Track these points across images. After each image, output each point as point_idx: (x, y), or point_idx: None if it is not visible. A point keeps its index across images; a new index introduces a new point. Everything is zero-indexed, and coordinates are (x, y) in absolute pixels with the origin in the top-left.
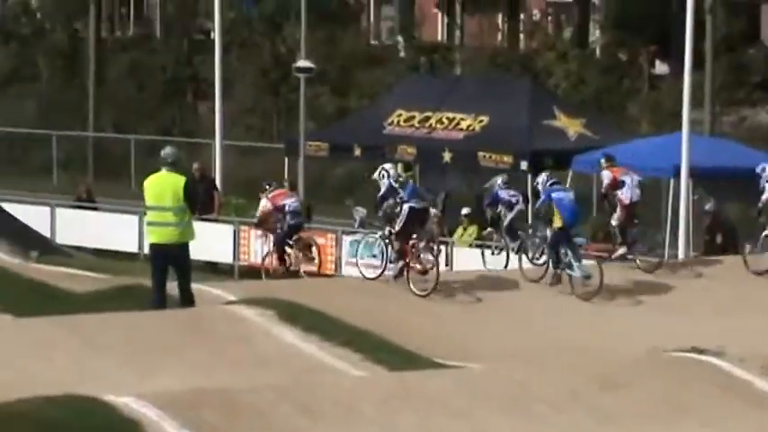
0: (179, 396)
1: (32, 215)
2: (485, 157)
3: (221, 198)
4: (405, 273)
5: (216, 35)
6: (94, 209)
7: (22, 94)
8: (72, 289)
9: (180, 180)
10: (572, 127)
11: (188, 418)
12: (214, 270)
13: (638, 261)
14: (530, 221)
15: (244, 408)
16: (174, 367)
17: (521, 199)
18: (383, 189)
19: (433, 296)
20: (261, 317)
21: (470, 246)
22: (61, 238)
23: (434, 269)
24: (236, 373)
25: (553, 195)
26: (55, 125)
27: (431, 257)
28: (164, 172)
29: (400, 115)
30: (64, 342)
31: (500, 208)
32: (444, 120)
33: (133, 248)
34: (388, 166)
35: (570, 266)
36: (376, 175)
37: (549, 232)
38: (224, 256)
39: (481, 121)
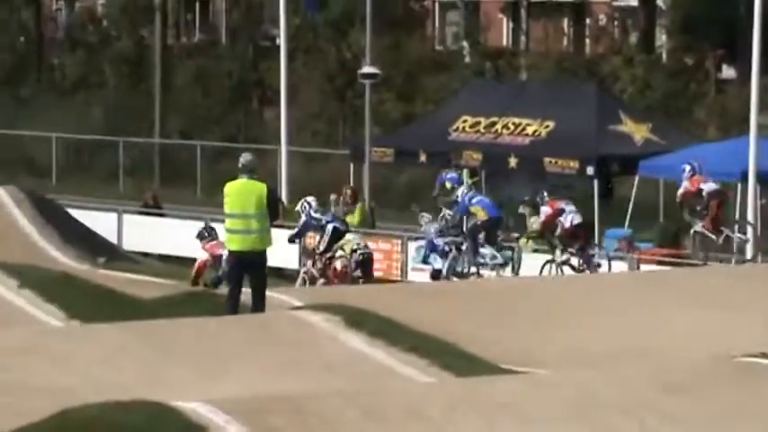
0: (246, 402)
1: (99, 221)
2: (551, 162)
3: (286, 205)
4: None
5: (281, 41)
6: (161, 215)
7: (89, 101)
8: (139, 295)
9: (263, 187)
10: (638, 132)
11: (255, 423)
12: (280, 275)
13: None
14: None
15: (310, 413)
16: (241, 373)
17: (454, 248)
18: (301, 223)
19: (497, 303)
20: (327, 322)
21: (536, 251)
22: (128, 245)
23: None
24: (302, 379)
25: (474, 200)
26: (121, 132)
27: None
28: (244, 179)
29: (466, 121)
30: (131, 348)
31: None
32: (510, 125)
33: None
34: (310, 198)
35: (492, 255)
36: (298, 207)
37: (468, 226)
38: (289, 261)
39: (547, 127)
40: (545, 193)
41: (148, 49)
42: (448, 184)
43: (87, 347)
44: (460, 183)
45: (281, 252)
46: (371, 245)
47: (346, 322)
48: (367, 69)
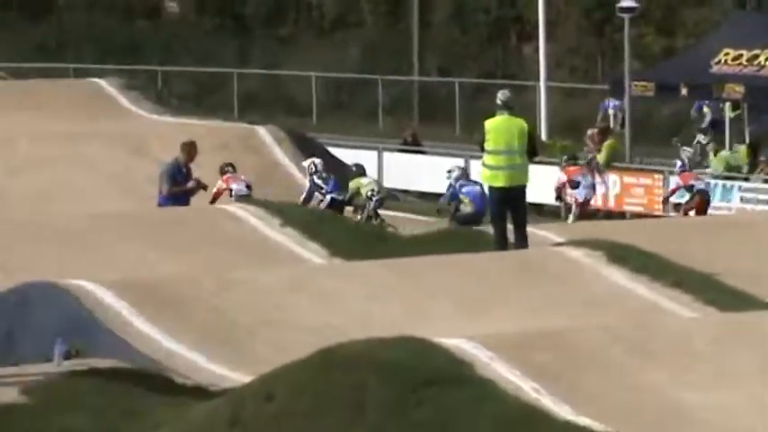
0: (510, 337)
1: (360, 159)
2: None
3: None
4: None
5: None
6: (421, 152)
7: (347, 40)
8: (398, 232)
9: (524, 123)
10: None
11: (519, 359)
12: (539, 212)
13: None
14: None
15: (574, 348)
16: (504, 309)
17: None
18: (308, 186)
19: (764, 236)
20: (589, 258)
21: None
22: (388, 182)
23: None
24: (565, 314)
25: (463, 189)
26: (380, 70)
27: None
28: (505, 115)
29: (727, 54)
30: (394, 284)
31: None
32: None
33: None
34: (317, 160)
35: None
36: (305, 164)
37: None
38: (550, 197)
39: None
40: (564, 158)
41: None
42: (611, 112)
43: (351, 285)
44: (621, 109)
45: (541, 188)
46: (631, 179)
47: (608, 257)
48: (626, 3)
